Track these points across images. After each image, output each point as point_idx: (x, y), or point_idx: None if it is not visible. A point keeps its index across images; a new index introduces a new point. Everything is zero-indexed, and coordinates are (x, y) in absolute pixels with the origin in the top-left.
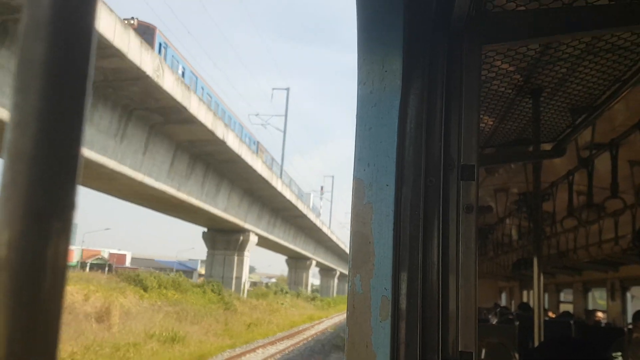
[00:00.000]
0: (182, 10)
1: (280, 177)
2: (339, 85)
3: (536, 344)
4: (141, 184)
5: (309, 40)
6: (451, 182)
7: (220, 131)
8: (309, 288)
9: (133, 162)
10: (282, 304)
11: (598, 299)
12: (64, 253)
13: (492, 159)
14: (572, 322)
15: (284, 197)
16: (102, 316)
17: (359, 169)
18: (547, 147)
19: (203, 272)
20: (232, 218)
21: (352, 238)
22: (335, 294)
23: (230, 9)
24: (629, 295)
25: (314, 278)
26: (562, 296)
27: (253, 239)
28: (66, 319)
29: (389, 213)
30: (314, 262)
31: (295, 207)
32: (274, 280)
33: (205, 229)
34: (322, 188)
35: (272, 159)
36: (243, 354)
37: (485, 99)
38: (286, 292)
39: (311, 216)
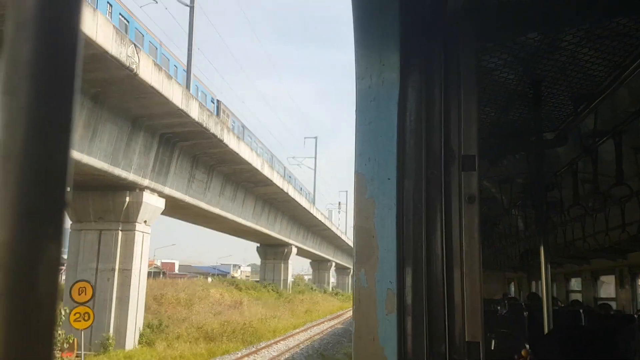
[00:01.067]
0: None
1: (314, 204)
2: (341, 85)
3: (545, 333)
4: (237, 223)
5: (308, 41)
6: (452, 173)
7: (285, 186)
8: (331, 286)
9: (229, 207)
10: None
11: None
12: (57, 252)
13: (495, 150)
14: (581, 310)
15: (317, 218)
16: (235, 305)
17: (360, 164)
18: (549, 136)
19: (235, 274)
20: (282, 237)
21: (355, 233)
22: (350, 290)
23: (229, 16)
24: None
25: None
26: (571, 285)
27: (294, 250)
28: (215, 308)
29: (392, 206)
30: (333, 264)
31: (323, 224)
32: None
33: (258, 244)
34: (339, 204)
35: (304, 189)
36: (317, 325)
37: (485, 90)
38: (315, 289)
39: (333, 228)
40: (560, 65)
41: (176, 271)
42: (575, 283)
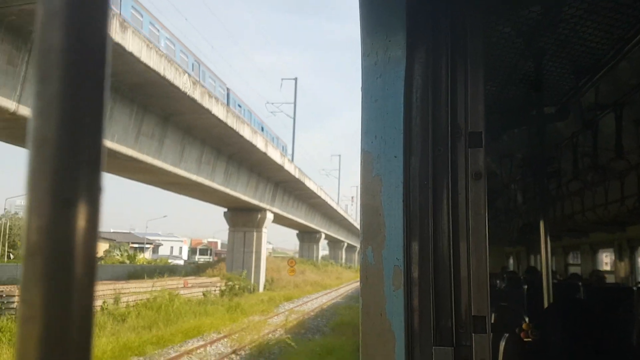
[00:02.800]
0: None
1: (292, 159)
2: (340, 59)
3: (545, 306)
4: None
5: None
6: (459, 150)
7: (262, 144)
8: (344, 260)
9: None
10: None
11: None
12: (94, 237)
13: (496, 125)
14: (580, 283)
15: (334, 209)
16: (302, 272)
17: (367, 142)
18: (551, 110)
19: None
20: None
21: (362, 210)
22: (344, 262)
23: None
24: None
25: (323, 250)
26: (570, 259)
27: (269, 215)
28: (281, 275)
29: (398, 184)
30: (323, 236)
31: (336, 212)
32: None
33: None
34: (352, 198)
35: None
36: (349, 284)
37: (488, 64)
38: (333, 263)
39: (341, 211)
40: (562, 39)
41: (219, 248)
42: (574, 256)
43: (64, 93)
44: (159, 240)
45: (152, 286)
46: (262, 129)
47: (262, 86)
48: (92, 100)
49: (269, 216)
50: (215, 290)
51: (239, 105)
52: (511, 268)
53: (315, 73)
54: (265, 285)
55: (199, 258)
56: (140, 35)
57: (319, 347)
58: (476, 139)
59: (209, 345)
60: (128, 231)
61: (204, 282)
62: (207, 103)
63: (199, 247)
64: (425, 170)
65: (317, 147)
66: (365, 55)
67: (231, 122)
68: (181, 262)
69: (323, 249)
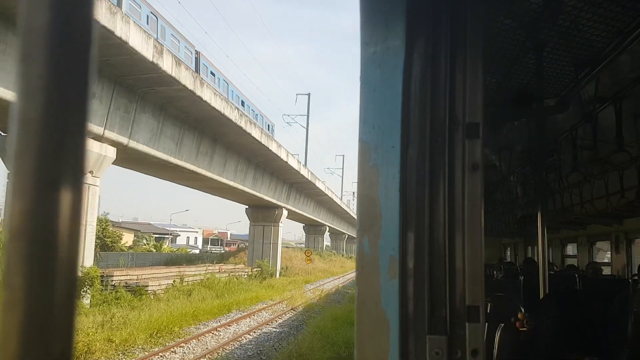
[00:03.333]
0: None
1: (305, 164)
2: (340, 51)
3: (541, 297)
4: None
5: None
6: (456, 141)
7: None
8: (344, 250)
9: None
10: (342, 257)
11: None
12: (78, 219)
13: (496, 117)
14: (576, 275)
15: (338, 204)
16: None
17: (364, 132)
18: (550, 102)
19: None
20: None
21: (359, 200)
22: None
23: None
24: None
25: (326, 241)
26: (567, 251)
27: (284, 212)
28: (302, 262)
29: (395, 175)
30: (327, 229)
31: (313, 184)
32: (302, 245)
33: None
34: (353, 193)
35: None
36: (352, 272)
37: (488, 56)
38: (335, 254)
39: (344, 207)
40: (562, 31)
41: (229, 239)
42: (571, 248)
43: (47, 74)
44: (177, 231)
45: (206, 270)
46: (243, 104)
47: (262, 79)
48: (77, 81)
49: (285, 212)
50: (243, 275)
51: (212, 73)
52: (509, 259)
53: (315, 63)
54: (280, 272)
55: (211, 248)
56: (210, 86)
57: (343, 310)
58: (474, 130)
59: (272, 306)
60: (148, 222)
61: (232, 268)
62: (249, 128)
63: (210, 237)
64: (422, 161)
65: (317, 137)
66: (364, 44)
67: (264, 140)
68: (197, 251)
69: (325, 240)
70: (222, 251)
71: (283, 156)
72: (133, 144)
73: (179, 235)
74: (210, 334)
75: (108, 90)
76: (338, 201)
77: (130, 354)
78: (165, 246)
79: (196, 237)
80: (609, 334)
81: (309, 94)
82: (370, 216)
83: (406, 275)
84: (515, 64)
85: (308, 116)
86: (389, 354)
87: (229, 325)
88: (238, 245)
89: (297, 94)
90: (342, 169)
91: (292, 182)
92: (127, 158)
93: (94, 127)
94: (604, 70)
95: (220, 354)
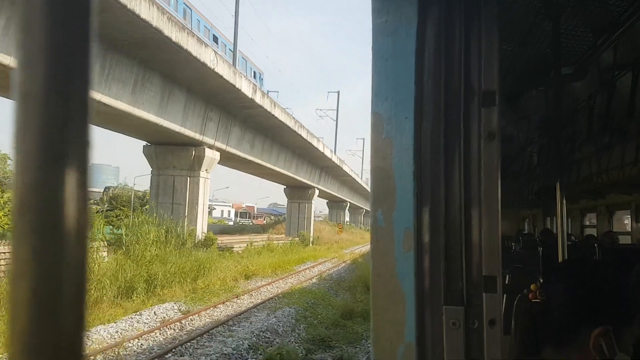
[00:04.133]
0: None
1: (335, 152)
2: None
3: (557, 266)
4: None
5: None
6: (472, 110)
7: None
8: (362, 224)
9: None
10: (361, 229)
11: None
12: (84, 193)
13: (512, 87)
14: (595, 245)
15: (359, 183)
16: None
17: (377, 103)
18: (568, 70)
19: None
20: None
21: (372, 174)
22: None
23: None
24: None
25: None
26: (586, 221)
27: (316, 192)
28: (330, 232)
29: (409, 146)
30: (348, 204)
31: (340, 168)
32: (319, 218)
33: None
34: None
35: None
36: None
37: (503, 24)
38: (353, 226)
39: (364, 185)
40: None
41: (255, 212)
42: (590, 219)
43: (48, 44)
44: (213, 204)
45: (267, 237)
46: (217, 39)
47: (276, 52)
48: (79, 50)
49: (317, 192)
50: (287, 242)
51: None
52: (527, 231)
53: (329, 37)
54: (313, 241)
55: (239, 220)
56: (278, 105)
57: None
58: (490, 98)
59: (329, 261)
60: None
61: (277, 237)
62: (299, 130)
63: (239, 210)
64: (437, 131)
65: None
66: (376, 13)
67: (310, 139)
68: (231, 223)
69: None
70: (250, 223)
71: (320, 147)
72: (228, 148)
73: (215, 209)
74: (304, 271)
75: (217, 114)
76: (359, 180)
77: (270, 277)
78: (209, 218)
79: (229, 210)
80: (625, 304)
81: (338, 92)
82: (384, 189)
83: (421, 247)
84: (532, 32)
85: (337, 111)
86: (405, 325)
87: (312, 268)
88: (264, 218)
89: (328, 92)
90: (363, 151)
91: (322, 166)
92: (223, 158)
93: (208, 139)
94: (622, 36)
95: (320, 277)
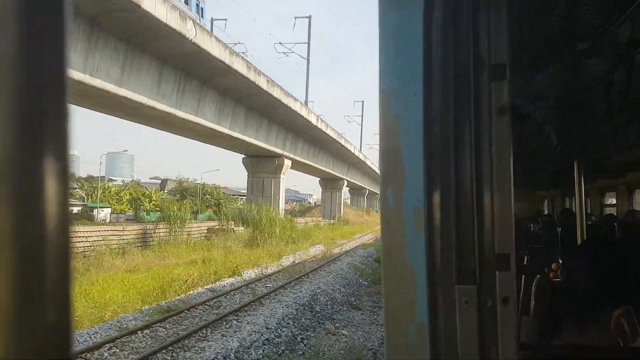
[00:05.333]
0: None
1: (306, 104)
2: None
3: (577, 245)
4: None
5: None
6: (482, 84)
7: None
8: (365, 206)
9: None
10: (377, 212)
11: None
12: (64, 163)
13: (525, 64)
14: (615, 224)
15: (363, 161)
16: (363, 215)
17: (384, 80)
18: (583, 46)
19: (310, 201)
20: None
21: (381, 152)
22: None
23: None
24: None
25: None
26: (605, 200)
27: (287, 162)
28: (349, 217)
29: (418, 123)
30: (345, 183)
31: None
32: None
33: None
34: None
35: None
36: None
37: (516, 1)
38: (371, 209)
39: (356, 153)
40: None
41: None
42: (610, 198)
43: (20, 5)
44: (241, 191)
45: (310, 220)
46: None
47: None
48: (52, 15)
49: (345, 183)
50: (322, 223)
51: None
52: (546, 212)
53: (336, 18)
54: (342, 223)
55: None
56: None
57: None
58: (500, 71)
59: (368, 234)
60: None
61: (314, 220)
62: (339, 139)
63: None
64: (446, 107)
65: (338, 92)
66: None
67: (346, 145)
68: None
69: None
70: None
71: (352, 149)
72: (296, 157)
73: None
74: (359, 238)
75: (291, 135)
76: (377, 170)
77: (345, 239)
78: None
79: None
80: None
81: (309, 17)
82: (393, 168)
83: (432, 226)
84: (545, 4)
85: (309, 42)
86: (416, 304)
87: (363, 236)
88: (288, 203)
89: (295, 17)
90: (362, 116)
91: (350, 162)
92: (293, 163)
93: (286, 152)
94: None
95: (374, 239)
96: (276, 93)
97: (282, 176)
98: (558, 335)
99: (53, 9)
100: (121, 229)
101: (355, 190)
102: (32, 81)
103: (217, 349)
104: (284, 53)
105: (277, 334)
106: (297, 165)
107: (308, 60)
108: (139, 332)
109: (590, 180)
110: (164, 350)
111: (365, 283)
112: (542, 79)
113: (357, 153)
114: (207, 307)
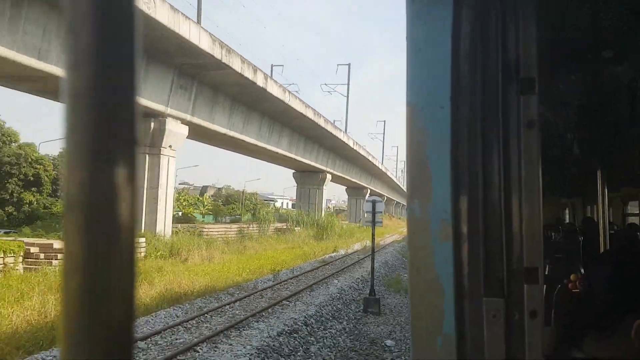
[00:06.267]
0: None
1: (345, 131)
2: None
3: (598, 255)
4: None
5: None
6: (510, 98)
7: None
8: (393, 212)
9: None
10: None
11: None
12: (133, 188)
13: (551, 72)
14: (639, 233)
15: (395, 182)
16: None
17: (412, 93)
18: (608, 54)
19: (330, 206)
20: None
21: (408, 165)
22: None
23: None
24: None
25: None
26: (628, 209)
27: (328, 176)
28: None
29: (445, 136)
30: (369, 191)
31: (395, 183)
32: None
33: (365, 192)
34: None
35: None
36: None
37: (541, 7)
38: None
39: (397, 182)
40: None
41: None
42: (632, 207)
43: (94, 45)
44: (277, 198)
45: (348, 223)
46: None
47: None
48: (123, 52)
49: (369, 191)
50: (352, 225)
51: None
52: (567, 220)
53: (346, 20)
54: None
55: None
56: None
57: None
58: (529, 85)
59: (396, 234)
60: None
61: (343, 223)
62: (368, 157)
63: (293, 202)
64: (474, 120)
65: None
66: (410, 0)
67: (374, 162)
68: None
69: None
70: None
71: (378, 165)
72: (335, 172)
73: (276, 201)
74: (390, 237)
75: (332, 153)
76: (395, 180)
77: (381, 237)
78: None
79: (288, 203)
80: None
81: (349, 64)
82: (420, 180)
83: (460, 238)
84: (570, 14)
85: (348, 85)
86: (444, 317)
87: (392, 236)
88: None
89: (337, 65)
90: (383, 134)
91: (374, 173)
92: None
93: (327, 168)
94: None
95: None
96: (329, 127)
97: (324, 187)
98: (578, 346)
99: (125, 46)
100: (228, 227)
101: (375, 196)
102: (108, 118)
103: (358, 275)
104: (328, 92)
105: (378, 272)
106: (337, 179)
107: (348, 97)
108: (309, 273)
109: (612, 188)
110: (326, 279)
111: (406, 259)
112: (565, 86)
113: (380, 166)
114: (339, 261)
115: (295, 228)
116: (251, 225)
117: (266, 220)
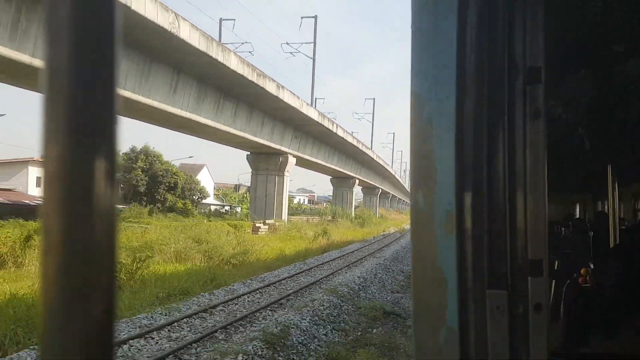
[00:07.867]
0: None
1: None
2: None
3: (608, 250)
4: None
5: None
6: (516, 88)
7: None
8: (393, 207)
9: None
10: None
11: None
12: (111, 165)
13: (559, 68)
14: None
15: (400, 182)
16: (392, 214)
17: (417, 83)
18: (619, 48)
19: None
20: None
21: (412, 155)
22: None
23: None
24: None
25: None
26: (639, 205)
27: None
28: (389, 217)
29: (450, 127)
30: (357, 182)
31: (399, 182)
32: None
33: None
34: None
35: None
36: None
37: (550, 2)
38: (387, 209)
39: (402, 181)
40: None
41: (315, 199)
42: None
43: (74, 18)
44: (294, 195)
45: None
46: None
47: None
48: (103, 25)
49: (380, 190)
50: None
51: None
52: (577, 216)
53: (345, 19)
54: (381, 218)
55: (310, 206)
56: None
57: None
58: (535, 75)
59: (408, 225)
60: None
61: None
62: (385, 166)
63: (308, 199)
64: (479, 110)
65: (348, 91)
66: None
67: (387, 167)
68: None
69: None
70: (314, 207)
71: (390, 170)
72: (361, 178)
73: (295, 198)
74: (408, 226)
75: (362, 166)
76: (400, 179)
77: (400, 227)
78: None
79: (304, 199)
80: None
81: (315, 16)
82: (424, 171)
83: (463, 230)
84: (579, 7)
85: (315, 41)
86: (447, 309)
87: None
88: (324, 203)
89: (301, 17)
90: (373, 113)
91: (385, 176)
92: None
93: (356, 175)
94: None
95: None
96: (361, 146)
97: (353, 190)
98: (587, 341)
99: (104, 32)
100: (307, 218)
101: (382, 194)
102: (86, 92)
103: (399, 247)
104: (290, 53)
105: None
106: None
107: (314, 59)
108: (381, 240)
109: (623, 184)
110: (391, 243)
111: None
112: (575, 81)
113: (392, 171)
114: (392, 235)
115: (339, 219)
116: (327, 218)
117: (342, 215)
